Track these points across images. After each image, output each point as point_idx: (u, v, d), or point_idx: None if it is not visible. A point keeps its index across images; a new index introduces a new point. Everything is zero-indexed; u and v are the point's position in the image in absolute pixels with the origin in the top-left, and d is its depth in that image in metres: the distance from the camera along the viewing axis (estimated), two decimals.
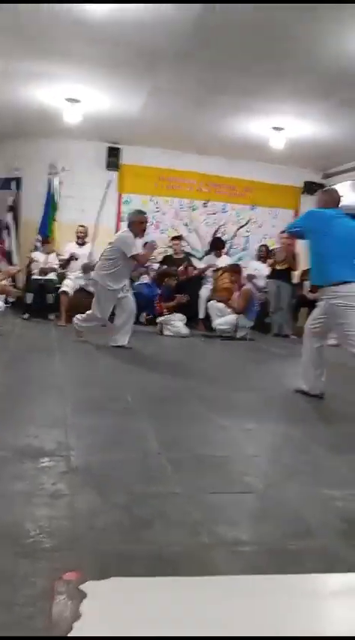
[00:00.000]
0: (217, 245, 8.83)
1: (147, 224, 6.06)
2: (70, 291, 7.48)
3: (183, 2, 4.05)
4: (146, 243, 7.01)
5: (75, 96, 6.77)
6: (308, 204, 9.70)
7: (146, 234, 9.14)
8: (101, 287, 5.64)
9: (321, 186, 9.68)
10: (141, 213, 5.92)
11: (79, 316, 5.87)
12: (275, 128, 7.40)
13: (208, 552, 1.76)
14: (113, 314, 5.87)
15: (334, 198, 4.10)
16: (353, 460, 2.75)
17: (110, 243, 5.74)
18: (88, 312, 5.75)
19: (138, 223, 5.69)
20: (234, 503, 2.16)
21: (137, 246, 5.68)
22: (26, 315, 7.45)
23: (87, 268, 7.50)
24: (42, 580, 1.51)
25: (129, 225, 5.75)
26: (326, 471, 2.60)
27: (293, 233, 4.31)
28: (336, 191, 4.27)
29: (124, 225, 9.17)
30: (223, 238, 9.20)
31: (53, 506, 1.98)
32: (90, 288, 7.54)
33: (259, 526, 1.99)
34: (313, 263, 4.06)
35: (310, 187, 9.61)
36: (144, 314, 7.90)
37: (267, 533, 1.93)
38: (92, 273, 6.35)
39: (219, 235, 9.33)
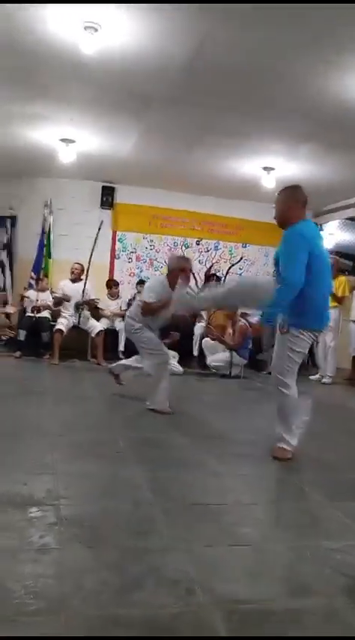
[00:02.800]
0: (213, 280, 8.85)
1: (189, 272, 5.04)
2: (65, 330, 7.43)
3: (180, 2, 3.98)
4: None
5: (69, 136, 6.87)
6: None
7: (140, 271, 9.28)
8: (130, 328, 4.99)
9: None
10: (183, 259, 5.00)
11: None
12: (266, 168, 7.52)
13: (205, 613, 1.66)
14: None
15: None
16: (351, 508, 2.66)
17: None
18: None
19: (174, 273, 4.73)
20: (231, 557, 2.07)
21: (162, 294, 4.65)
22: (18, 354, 7.37)
23: (79, 306, 7.48)
24: None
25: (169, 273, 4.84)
26: (324, 521, 2.52)
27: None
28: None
29: (118, 263, 9.29)
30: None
31: (40, 563, 1.89)
32: (84, 326, 7.52)
33: (257, 582, 1.90)
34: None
35: None
36: None
37: (266, 590, 1.84)
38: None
39: (212, 272, 9.37)
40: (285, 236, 3.38)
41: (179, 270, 4.73)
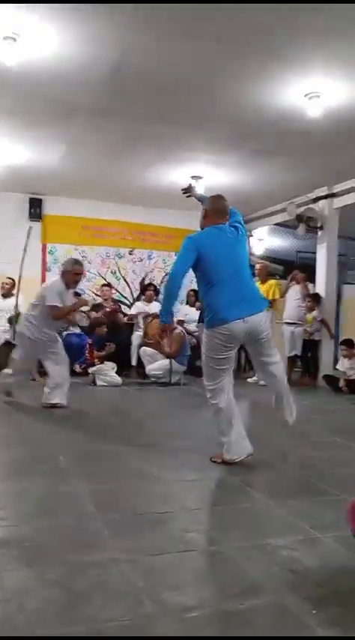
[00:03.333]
0: (150, 289, 8.85)
1: (82, 276, 5.68)
2: None
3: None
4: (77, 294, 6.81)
5: None
6: None
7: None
8: (23, 336, 5.33)
9: None
10: (77, 263, 5.44)
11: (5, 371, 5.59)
12: (194, 177, 7.60)
13: (154, 624, 1.63)
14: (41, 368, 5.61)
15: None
16: (293, 505, 2.70)
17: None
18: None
19: (72, 274, 5.26)
20: (178, 564, 2.05)
21: (63, 298, 5.21)
22: None
23: (12, 320, 7.26)
24: None
25: (62, 275, 5.31)
26: (268, 520, 2.54)
27: None
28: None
29: (51, 275, 9.09)
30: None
31: None
32: (15, 341, 7.30)
33: (205, 587, 1.89)
34: None
35: None
36: (77, 364, 7.72)
37: (214, 594, 1.83)
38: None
39: (148, 282, 9.37)
40: None
41: (73, 273, 5.25)
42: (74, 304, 5.55)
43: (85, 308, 7.15)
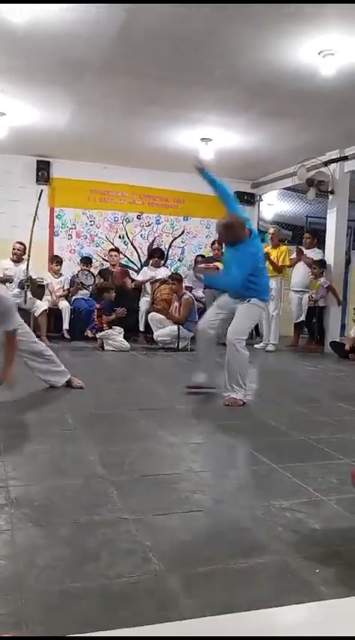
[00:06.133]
0: (156, 255, 8.80)
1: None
2: None
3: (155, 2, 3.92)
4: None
5: (0, 109, 6.58)
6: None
7: (81, 248, 9.11)
8: None
9: (251, 195, 9.91)
10: None
11: None
12: (204, 139, 7.47)
13: (161, 580, 1.68)
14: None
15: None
16: (297, 468, 2.74)
17: None
18: None
19: None
20: (184, 523, 2.10)
21: None
22: None
23: (23, 285, 7.28)
24: None
25: None
26: (273, 482, 2.59)
27: None
28: None
29: (58, 240, 9.07)
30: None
31: None
32: (25, 306, 7.34)
33: (210, 546, 1.93)
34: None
35: (241, 197, 9.77)
36: (88, 330, 7.79)
37: (220, 552, 1.87)
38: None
39: (155, 246, 9.32)
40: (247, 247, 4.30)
41: None
42: None
43: None
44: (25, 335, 4.20)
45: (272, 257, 7.84)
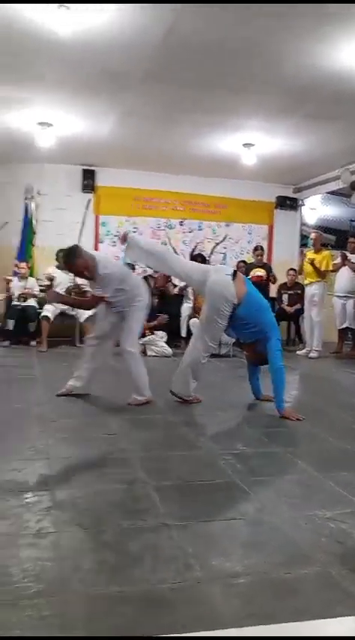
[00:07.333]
0: (197, 261, 8.80)
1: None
2: (51, 316, 7.39)
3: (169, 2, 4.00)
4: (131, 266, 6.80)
5: (47, 120, 6.75)
6: (282, 218, 9.85)
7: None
8: None
9: (294, 200, 9.82)
10: None
11: None
12: (246, 144, 7.47)
13: (203, 588, 1.69)
14: None
15: None
16: (341, 477, 2.70)
17: None
18: None
19: None
20: (226, 531, 2.10)
21: None
22: (6, 343, 7.33)
23: (70, 292, 7.43)
24: (28, 632, 1.43)
25: None
26: (317, 491, 2.55)
27: None
28: None
29: (103, 247, 9.22)
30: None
31: (38, 547, 1.90)
32: (72, 312, 7.50)
33: (253, 555, 1.93)
34: None
35: (283, 202, 9.72)
36: None
37: (262, 562, 1.87)
38: None
39: (197, 252, 9.34)
40: None
41: None
42: None
43: None
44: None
45: (315, 262, 7.74)
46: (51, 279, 7.60)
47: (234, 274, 4.09)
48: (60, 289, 7.57)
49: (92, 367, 4.40)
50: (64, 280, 7.60)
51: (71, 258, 4.11)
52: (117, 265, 4.39)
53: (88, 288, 7.89)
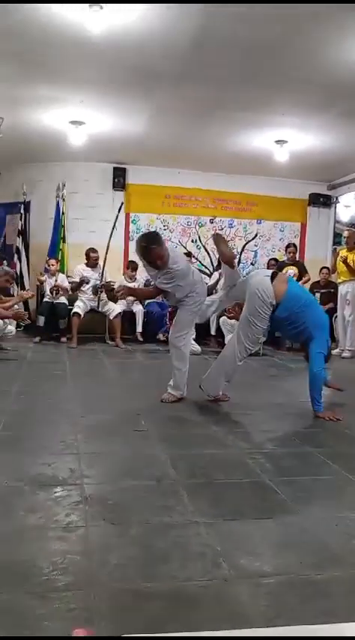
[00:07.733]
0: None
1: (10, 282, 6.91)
2: (82, 313, 7.46)
3: (188, 2, 3.99)
4: None
5: (79, 118, 6.81)
6: (315, 216, 9.71)
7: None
8: None
9: (327, 197, 9.67)
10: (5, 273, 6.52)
11: None
12: (278, 141, 7.39)
13: (230, 587, 1.67)
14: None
15: None
16: None
17: None
18: None
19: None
20: (255, 530, 2.08)
21: None
22: (37, 339, 7.42)
23: (96, 290, 7.50)
24: (56, 624, 1.44)
25: None
26: (347, 493, 2.51)
27: None
28: None
29: (133, 245, 9.24)
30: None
31: (67, 540, 1.92)
32: (102, 309, 7.56)
33: (282, 555, 1.90)
34: None
35: (316, 199, 9.58)
36: (160, 333, 7.87)
37: (291, 562, 1.84)
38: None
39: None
40: None
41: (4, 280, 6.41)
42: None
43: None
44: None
45: (348, 260, 7.61)
46: (86, 282, 7.64)
47: (274, 275, 4.04)
48: (87, 287, 7.66)
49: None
50: (93, 278, 7.66)
51: (154, 244, 4.10)
52: (185, 262, 4.40)
53: (115, 286, 7.98)
